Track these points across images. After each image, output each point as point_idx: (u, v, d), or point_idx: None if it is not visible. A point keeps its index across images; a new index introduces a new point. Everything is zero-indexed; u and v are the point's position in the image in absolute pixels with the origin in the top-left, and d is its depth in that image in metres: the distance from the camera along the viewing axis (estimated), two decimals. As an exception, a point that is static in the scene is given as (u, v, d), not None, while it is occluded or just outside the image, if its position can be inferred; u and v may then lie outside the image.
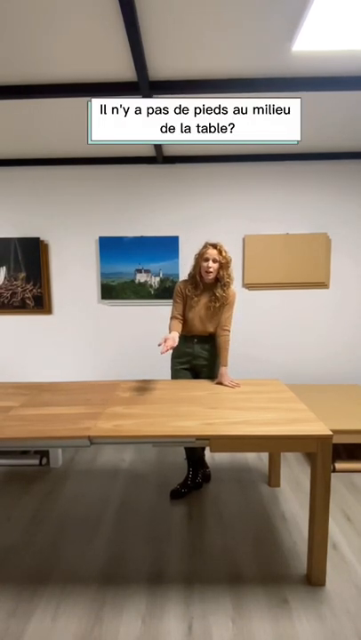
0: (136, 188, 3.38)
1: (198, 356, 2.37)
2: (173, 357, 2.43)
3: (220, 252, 2.21)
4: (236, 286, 3.34)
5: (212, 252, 2.20)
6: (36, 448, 1.71)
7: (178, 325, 2.31)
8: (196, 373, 2.44)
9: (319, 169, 3.33)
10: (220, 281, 2.26)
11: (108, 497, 2.34)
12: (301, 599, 1.60)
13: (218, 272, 2.24)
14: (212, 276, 2.23)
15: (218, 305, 2.27)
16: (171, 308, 2.38)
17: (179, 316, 2.33)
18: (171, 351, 2.39)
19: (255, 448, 1.62)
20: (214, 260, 2.20)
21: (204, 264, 2.21)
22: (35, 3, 1.52)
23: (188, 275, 2.36)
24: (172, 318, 2.35)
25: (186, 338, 2.36)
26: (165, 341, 2.11)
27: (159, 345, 2.12)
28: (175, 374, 2.42)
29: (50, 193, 3.41)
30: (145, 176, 3.36)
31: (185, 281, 2.36)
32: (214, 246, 2.22)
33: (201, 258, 2.23)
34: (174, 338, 2.17)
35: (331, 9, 1.49)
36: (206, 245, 2.24)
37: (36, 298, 3.49)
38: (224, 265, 2.22)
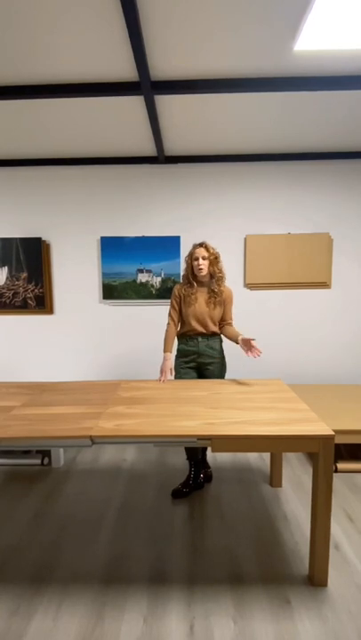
0: (138, 187, 3.38)
1: (203, 354, 2.40)
2: (178, 357, 2.46)
3: (206, 249, 2.34)
4: (237, 286, 3.39)
5: (200, 251, 2.34)
6: (38, 448, 1.71)
7: (173, 335, 2.47)
8: (200, 372, 2.45)
9: (321, 169, 3.32)
10: (214, 277, 2.38)
11: (110, 497, 2.35)
12: (303, 599, 1.59)
13: (209, 268, 2.36)
14: (204, 272, 2.35)
15: (218, 299, 2.38)
16: (168, 310, 2.53)
17: (175, 322, 2.48)
18: (175, 351, 2.50)
19: (257, 448, 1.62)
20: (203, 258, 2.33)
21: (195, 263, 2.35)
22: (36, 3, 1.52)
23: (183, 277, 2.48)
24: (168, 324, 2.49)
25: (189, 337, 2.41)
26: (163, 374, 2.40)
27: (159, 380, 2.40)
28: (179, 374, 2.43)
29: (51, 193, 3.41)
30: (146, 176, 3.36)
31: (180, 284, 2.48)
32: (201, 245, 2.36)
33: (191, 258, 2.38)
34: (171, 368, 2.43)
35: (333, 8, 1.49)
36: (194, 246, 2.39)
37: (37, 298, 3.50)
38: (213, 261, 2.36)
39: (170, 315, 2.47)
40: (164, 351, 2.43)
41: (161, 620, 1.50)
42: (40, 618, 1.52)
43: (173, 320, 2.46)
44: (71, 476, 2.60)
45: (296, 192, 3.36)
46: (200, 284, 2.40)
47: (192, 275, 2.39)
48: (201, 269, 2.33)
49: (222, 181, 3.36)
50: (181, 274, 2.57)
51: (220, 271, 2.39)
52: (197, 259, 2.33)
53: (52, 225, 3.45)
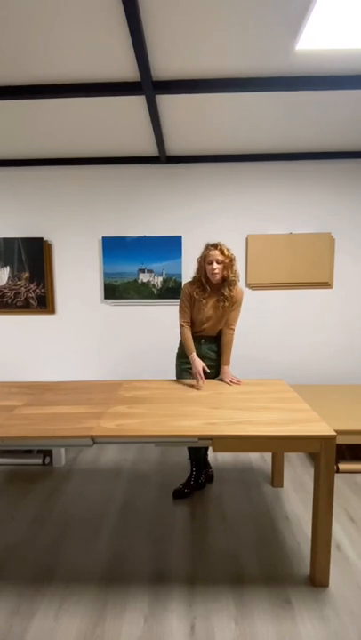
0: (139, 187, 3.39)
1: (205, 357, 2.37)
2: (179, 357, 2.44)
3: (221, 252, 2.18)
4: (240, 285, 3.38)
5: (215, 254, 2.17)
6: (40, 447, 1.71)
7: (191, 337, 2.32)
8: None
9: (323, 168, 3.32)
10: (226, 279, 2.24)
11: (111, 496, 2.35)
12: (304, 600, 1.59)
13: (223, 272, 2.22)
14: (218, 276, 2.21)
15: (227, 304, 2.26)
16: (178, 311, 2.36)
17: (189, 324, 2.33)
18: (176, 350, 2.48)
19: (258, 448, 1.62)
20: (218, 261, 2.18)
21: (209, 267, 2.19)
22: (37, 2, 1.52)
23: (193, 277, 2.34)
24: (182, 326, 2.33)
25: (194, 338, 2.35)
26: (198, 373, 2.23)
27: (197, 384, 2.24)
28: (180, 374, 2.42)
29: (53, 193, 3.42)
30: (148, 176, 3.37)
31: (191, 283, 2.32)
32: (215, 247, 2.19)
33: (205, 261, 2.22)
34: (203, 366, 2.26)
35: (334, 7, 1.48)
36: (208, 247, 2.22)
37: (39, 298, 3.50)
38: (228, 264, 2.20)
39: (183, 317, 2.31)
40: (190, 353, 2.29)
41: (162, 619, 1.50)
42: (41, 617, 1.52)
43: (187, 322, 2.31)
44: (72, 476, 2.60)
45: (298, 192, 3.36)
46: (213, 287, 2.27)
47: (205, 278, 2.24)
48: (216, 274, 2.18)
49: (224, 181, 3.36)
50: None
51: (234, 274, 2.23)
52: (212, 262, 2.16)
53: (53, 225, 3.46)
